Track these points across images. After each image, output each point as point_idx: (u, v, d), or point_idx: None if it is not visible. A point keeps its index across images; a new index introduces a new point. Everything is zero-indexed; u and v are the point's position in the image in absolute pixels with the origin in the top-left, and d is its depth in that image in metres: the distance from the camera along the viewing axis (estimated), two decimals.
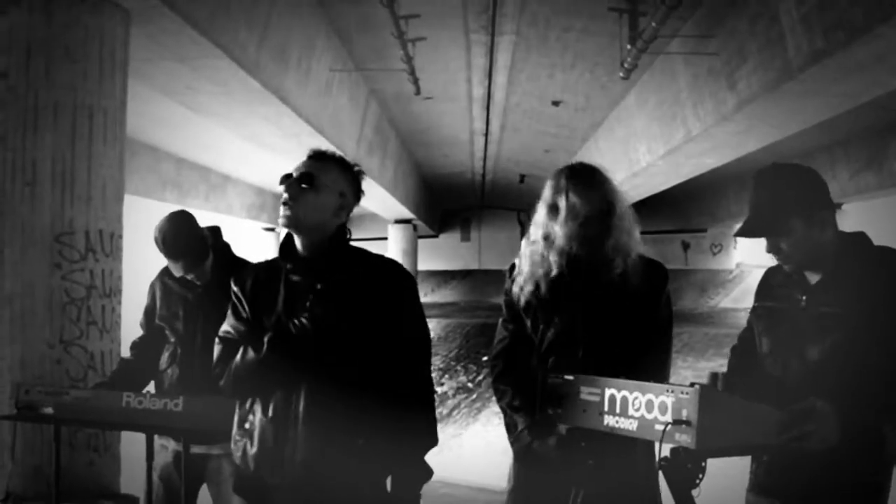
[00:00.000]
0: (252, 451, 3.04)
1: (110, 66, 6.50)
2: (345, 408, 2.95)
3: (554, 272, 3.49)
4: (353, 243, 3.20)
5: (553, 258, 3.48)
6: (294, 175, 3.07)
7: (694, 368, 21.49)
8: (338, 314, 2.99)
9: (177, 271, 4.38)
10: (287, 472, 2.97)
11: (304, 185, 3.04)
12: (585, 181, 3.46)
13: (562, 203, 3.45)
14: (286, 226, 3.07)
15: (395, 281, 3.13)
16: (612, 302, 3.44)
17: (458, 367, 25.00)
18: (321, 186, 3.06)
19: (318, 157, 3.13)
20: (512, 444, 3.57)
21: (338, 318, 2.99)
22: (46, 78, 6.22)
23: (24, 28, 6.25)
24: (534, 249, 3.54)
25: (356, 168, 3.20)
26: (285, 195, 3.06)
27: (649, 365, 3.35)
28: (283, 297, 3.10)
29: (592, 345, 3.42)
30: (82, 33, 6.34)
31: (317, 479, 2.95)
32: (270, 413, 3.02)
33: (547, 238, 3.49)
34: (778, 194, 2.91)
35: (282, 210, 3.07)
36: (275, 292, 3.13)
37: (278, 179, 3.11)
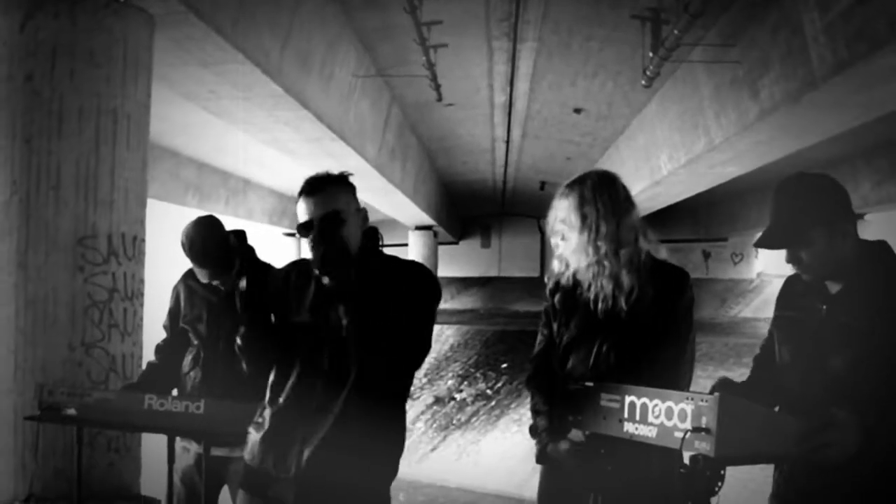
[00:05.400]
0: (259, 443, 3.09)
1: (134, 71, 6.54)
2: (353, 405, 3.01)
3: (569, 278, 3.51)
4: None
5: (568, 265, 3.50)
6: (316, 222, 3.06)
7: (713, 378, 21.25)
8: (363, 319, 3.01)
9: (203, 277, 4.41)
10: (291, 466, 3.01)
11: (335, 227, 3.05)
12: (595, 191, 3.45)
13: (574, 211, 3.45)
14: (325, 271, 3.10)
15: (415, 282, 3.15)
16: (625, 308, 3.43)
17: (478, 374, 24.94)
18: (347, 217, 3.08)
19: (321, 188, 3.10)
20: (535, 445, 3.58)
21: (363, 321, 3.01)
22: (71, 82, 6.27)
23: (49, 32, 6.29)
24: (557, 255, 3.55)
25: (346, 174, 3.20)
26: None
27: (662, 372, 3.31)
28: (312, 298, 3.15)
29: (604, 351, 3.41)
30: (107, 38, 6.38)
31: (320, 474, 2.98)
32: (281, 406, 3.07)
33: (563, 245, 3.51)
34: (799, 204, 2.90)
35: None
36: (304, 294, 3.18)
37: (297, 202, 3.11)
